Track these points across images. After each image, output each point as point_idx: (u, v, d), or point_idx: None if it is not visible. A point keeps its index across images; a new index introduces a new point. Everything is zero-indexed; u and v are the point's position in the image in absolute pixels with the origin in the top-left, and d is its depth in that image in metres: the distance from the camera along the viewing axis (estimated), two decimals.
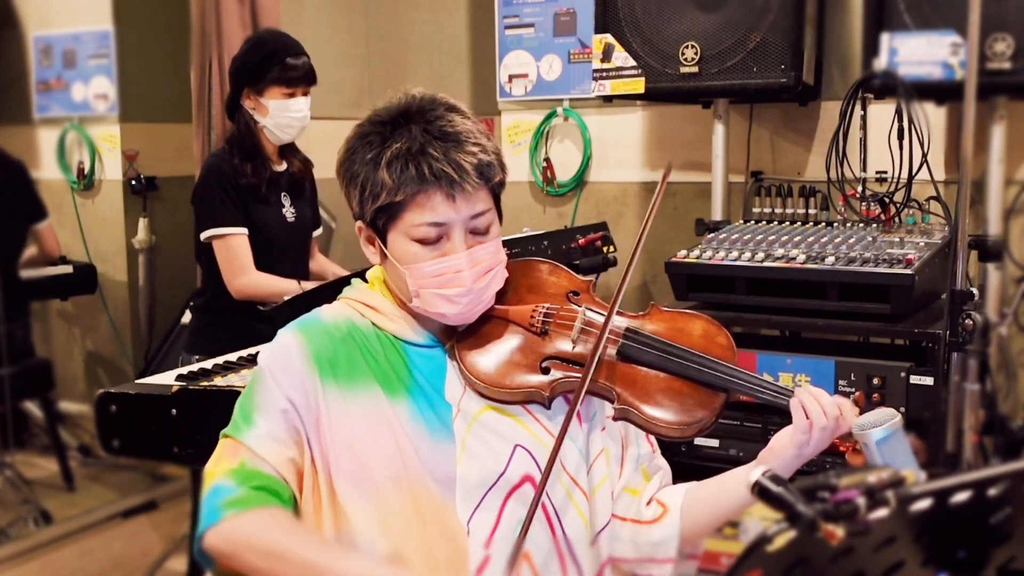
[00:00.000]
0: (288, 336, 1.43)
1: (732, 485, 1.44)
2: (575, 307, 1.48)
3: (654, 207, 1.41)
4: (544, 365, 1.43)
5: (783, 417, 1.41)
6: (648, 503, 1.48)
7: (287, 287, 2.71)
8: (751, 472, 1.41)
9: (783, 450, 1.39)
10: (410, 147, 1.34)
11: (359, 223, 1.44)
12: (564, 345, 1.45)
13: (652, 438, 1.56)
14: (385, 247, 1.41)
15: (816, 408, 1.36)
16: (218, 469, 1.37)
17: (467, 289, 1.38)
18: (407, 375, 1.42)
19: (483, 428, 1.41)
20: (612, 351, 1.44)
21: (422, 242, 1.37)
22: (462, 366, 1.42)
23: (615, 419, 1.45)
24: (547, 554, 1.39)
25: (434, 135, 1.36)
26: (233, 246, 2.72)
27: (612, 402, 1.43)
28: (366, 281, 1.53)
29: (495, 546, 1.36)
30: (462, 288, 1.38)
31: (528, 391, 1.42)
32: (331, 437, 1.37)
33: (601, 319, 1.45)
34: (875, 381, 2.27)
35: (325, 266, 3.08)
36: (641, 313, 1.51)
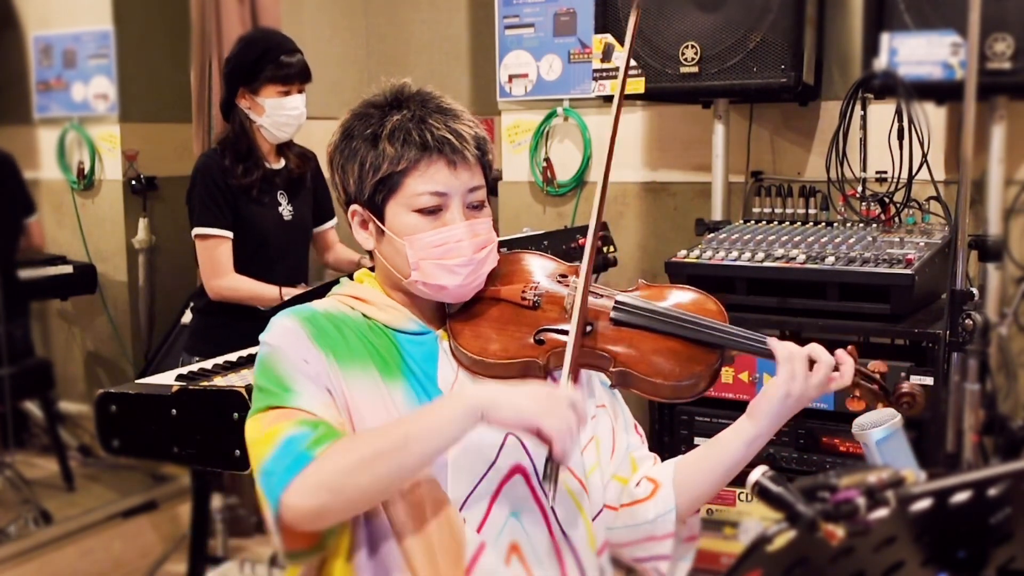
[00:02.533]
0: (286, 320, 1.40)
1: (722, 445, 1.45)
2: (565, 285, 1.49)
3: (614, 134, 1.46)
4: (539, 337, 1.44)
5: None
6: (638, 484, 1.49)
7: (265, 292, 2.70)
8: (741, 424, 1.43)
9: (773, 389, 1.41)
10: (411, 118, 1.39)
11: (353, 207, 1.44)
12: (557, 317, 1.45)
13: (640, 430, 1.57)
14: (383, 224, 1.42)
15: (800, 348, 1.44)
16: (279, 428, 1.29)
17: (468, 259, 1.40)
18: (400, 362, 1.42)
19: None
20: (605, 319, 1.46)
21: (422, 212, 1.39)
22: (456, 344, 1.43)
23: (613, 385, 1.47)
24: (543, 547, 1.39)
25: (432, 109, 1.41)
26: (212, 247, 2.71)
27: (608, 367, 1.44)
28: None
29: (486, 534, 1.36)
30: (463, 258, 1.40)
31: (524, 362, 1.42)
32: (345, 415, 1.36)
33: (591, 297, 1.46)
34: None
35: (341, 255, 3.05)
36: (630, 288, 1.52)
